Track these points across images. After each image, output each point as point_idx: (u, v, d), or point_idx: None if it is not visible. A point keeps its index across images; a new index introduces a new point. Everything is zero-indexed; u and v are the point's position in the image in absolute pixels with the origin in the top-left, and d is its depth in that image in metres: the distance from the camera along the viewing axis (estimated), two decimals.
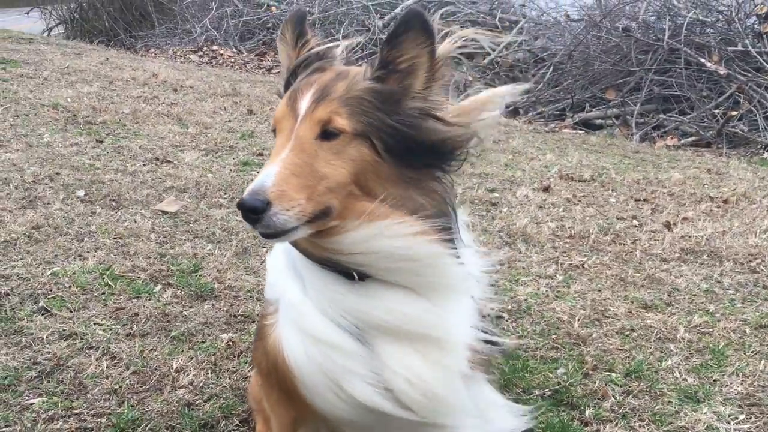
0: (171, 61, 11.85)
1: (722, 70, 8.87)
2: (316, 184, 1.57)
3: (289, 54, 1.78)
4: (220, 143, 6.02)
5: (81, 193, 4.43)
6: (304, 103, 1.62)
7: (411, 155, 1.65)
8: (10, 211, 4.03)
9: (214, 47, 13.50)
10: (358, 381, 1.70)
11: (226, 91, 8.38)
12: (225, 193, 4.74)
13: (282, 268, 1.84)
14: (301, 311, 1.74)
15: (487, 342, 1.94)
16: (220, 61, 12.63)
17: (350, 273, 1.67)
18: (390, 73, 1.65)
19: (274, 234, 1.56)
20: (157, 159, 5.37)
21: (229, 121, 6.92)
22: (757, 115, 8.42)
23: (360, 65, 1.76)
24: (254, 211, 1.51)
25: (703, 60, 9.10)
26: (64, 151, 5.31)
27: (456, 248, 1.71)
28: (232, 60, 12.75)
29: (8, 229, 3.77)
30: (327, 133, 1.60)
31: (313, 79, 1.67)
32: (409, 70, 1.65)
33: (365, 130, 1.61)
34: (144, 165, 5.18)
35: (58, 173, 4.76)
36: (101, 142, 5.68)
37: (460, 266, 1.73)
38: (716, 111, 8.77)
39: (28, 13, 19.24)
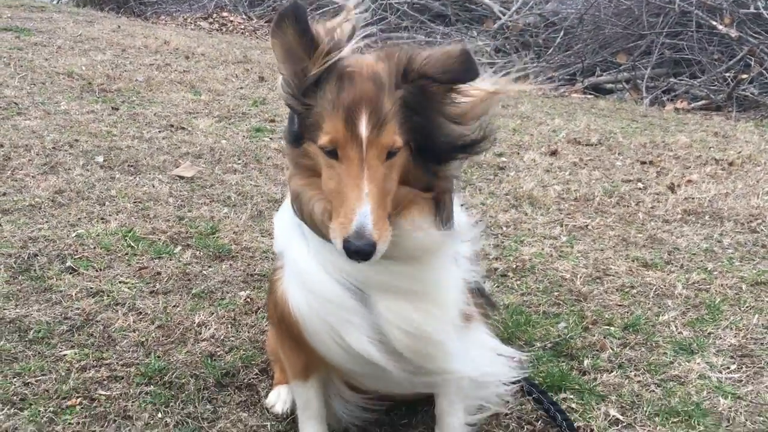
0: (181, 28, 11.90)
1: (734, 33, 8.85)
2: (388, 203, 1.71)
3: (290, 50, 1.73)
4: (232, 110, 6.14)
5: (100, 159, 4.58)
6: (363, 127, 1.66)
7: (435, 147, 1.76)
8: (33, 176, 4.19)
9: (224, 14, 13.50)
10: (356, 332, 1.85)
11: (237, 58, 8.46)
12: (239, 159, 4.87)
13: (288, 226, 1.97)
14: (304, 268, 1.89)
15: (478, 295, 2.10)
16: (231, 28, 12.65)
17: None
18: (422, 91, 1.72)
19: (370, 260, 1.67)
20: (172, 126, 5.50)
21: (241, 88, 7.02)
22: None
23: (375, 54, 1.80)
24: (367, 256, 1.64)
25: (714, 22, 9.07)
26: (81, 118, 5.45)
27: (452, 224, 1.84)
28: (243, 27, 12.77)
29: (32, 193, 3.93)
30: (390, 155, 1.70)
31: (359, 96, 1.69)
32: (431, 89, 1.74)
33: (407, 138, 1.72)
34: (159, 132, 5.31)
35: (76, 140, 4.90)
36: (117, 109, 5.81)
37: (451, 239, 1.86)
38: (727, 74, 8.76)
39: None
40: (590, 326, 3.06)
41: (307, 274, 1.88)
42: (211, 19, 13.22)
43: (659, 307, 3.24)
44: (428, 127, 1.73)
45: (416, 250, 1.81)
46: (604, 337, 2.97)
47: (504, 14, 11.78)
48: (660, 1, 9.72)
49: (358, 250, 1.63)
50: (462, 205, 2.11)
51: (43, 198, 3.88)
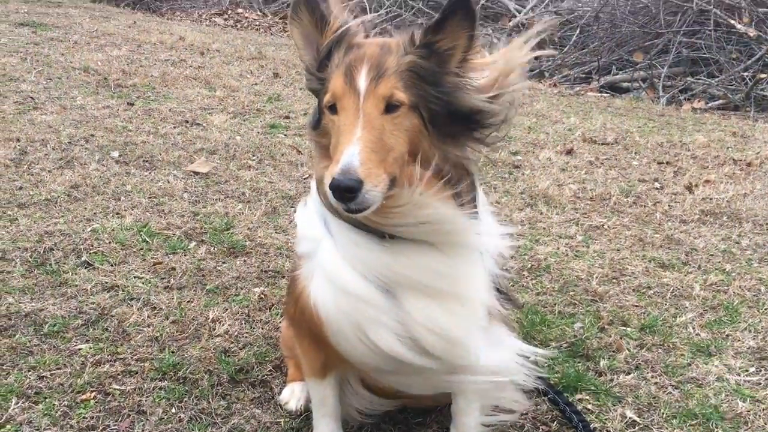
0: (197, 24, 11.93)
1: (752, 32, 8.75)
2: (387, 157, 1.68)
3: (308, 35, 1.84)
4: (247, 106, 6.14)
5: (115, 154, 4.60)
6: (362, 79, 1.70)
7: (450, 126, 1.76)
8: (49, 171, 4.21)
9: (239, 10, 13.53)
10: (384, 330, 1.84)
11: (252, 54, 8.47)
12: (253, 155, 4.87)
13: (312, 222, 1.96)
14: (330, 265, 1.87)
15: (503, 296, 2.07)
16: (245, 24, 12.67)
17: (380, 233, 1.79)
18: (431, 53, 1.74)
19: (363, 209, 1.67)
20: (187, 121, 5.51)
21: (256, 84, 7.03)
22: None
23: (390, 35, 1.84)
24: (350, 191, 1.61)
25: (732, 21, 8.98)
26: (97, 113, 5.47)
27: (476, 212, 1.83)
28: (257, 23, 12.79)
29: (48, 188, 3.95)
30: (389, 107, 1.70)
31: (361, 55, 1.74)
32: (448, 52, 1.75)
33: (417, 101, 1.72)
34: (174, 127, 5.32)
35: (92, 135, 4.92)
36: (132, 104, 5.83)
37: (478, 228, 1.85)
38: (745, 74, 8.67)
39: None
40: (606, 327, 3.03)
41: (334, 270, 1.87)
42: (226, 16, 13.25)
43: (676, 309, 3.20)
44: (440, 96, 1.73)
45: (436, 228, 1.79)
46: (621, 338, 2.94)
47: (519, 12, 11.72)
48: None
49: (342, 185, 1.60)
50: (490, 204, 2.10)
51: (59, 192, 3.90)
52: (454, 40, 1.75)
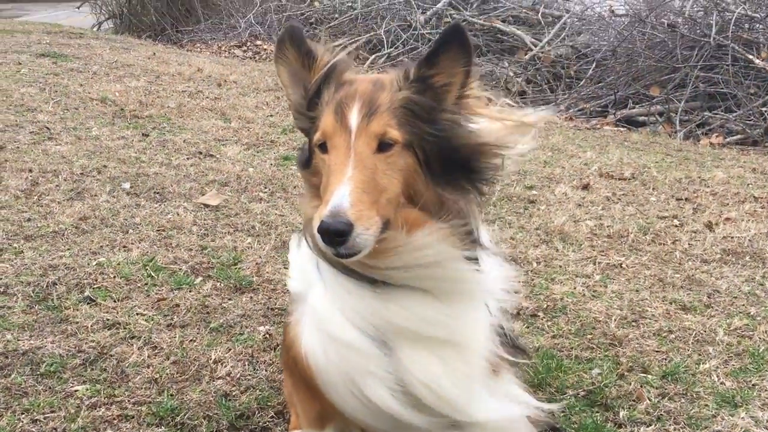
0: (215, 55, 12.03)
1: None
2: (380, 198, 1.60)
3: (295, 73, 1.78)
4: (261, 137, 6.11)
5: (127, 185, 4.56)
6: (354, 117, 1.63)
7: (445, 168, 1.68)
8: (58, 202, 4.17)
9: (258, 42, 13.65)
10: (376, 383, 1.74)
11: (269, 86, 8.49)
12: (265, 188, 4.81)
13: (304, 265, 1.88)
14: (321, 312, 1.78)
15: (509, 344, 1.97)
16: (264, 56, 12.76)
17: (372, 279, 1.70)
18: (427, 88, 1.68)
19: (354, 254, 1.58)
20: (201, 153, 5.48)
21: (271, 115, 7.01)
22: None
23: (386, 72, 1.79)
24: (340, 234, 1.52)
25: (750, 56, 8.89)
26: (111, 144, 5.46)
27: (476, 257, 1.74)
28: None
29: (57, 219, 3.90)
30: (382, 145, 1.63)
31: (352, 92, 1.68)
32: (444, 88, 1.69)
33: (411, 139, 1.65)
34: (188, 159, 5.29)
35: (105, 166, 4.89)
36: (147, 135, 5.82)
37: (480, 274, 1.75)
38: (764, 109, 8.54)
39: (78, 8, 19.73)
40: (626, 373, 2.90)
41: (324, 318, 1.78)
42: (245, 47, 13.37)
43: (699, 355, 3.07)
44: (436, 133, 1.66)
45: (431, 273, 1.70)
46: (641, 386, 2.81)
47: (535, 45, 11.71)
48: (695, 34, 9.58)
49: (331, 229, 1.52)
50: (494, 243, 2.00)
51: (67, 225, 3.85)
52: (450, 76, 1.69)
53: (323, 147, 1.68)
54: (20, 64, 8.04)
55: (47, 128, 5.69)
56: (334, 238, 1.54)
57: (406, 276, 1.71)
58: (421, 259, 1.68)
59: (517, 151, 1.78)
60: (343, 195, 1.55)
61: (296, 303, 1.94)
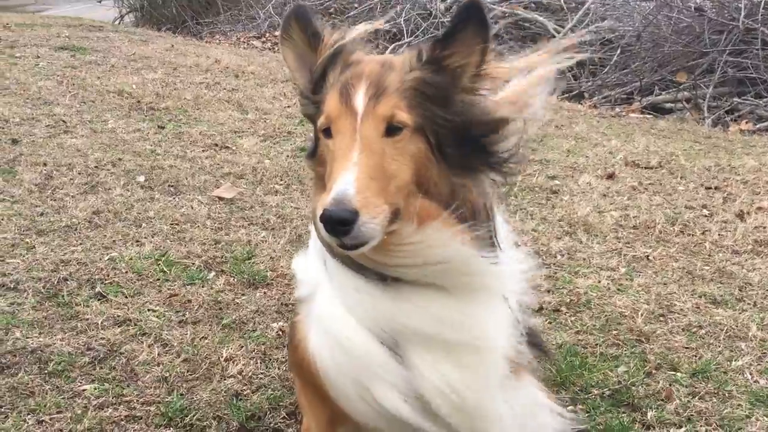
0: (234, 47, 11.98)
1: None
2: (388, 185, 1.49)
3: (301, 55, 1.68)
4: (278, 129, 6.03)
5: (141, 178, 4.50)
6: (360, 99, 1.53)
7: (460, 151, 1.57)
8: (72, 196, 4.12)
9: (277, 33, 13.56)
10: (387, 388, 1.64)
11: (287, 76, 8.39)
12: (281, 180, 4.73)
13: (312, 266, 1.78)
14: (329, 314, 1.68)
15: (529, 343, 1.85)
16: None
17: (382, 276, 1.60)
18: (440, 69, 1.57)
19: (360, 244, 1.47)
20: (216, 145, 5.41)
21: (288, 106, 6.92)
22: None
23: (396, 53, 1.68)
24: (343, 223, 1.42)
25: None
26: (127, 137, 5.41)
27: (494, 249, 1.63)
28: None
29: (70, 214, 3.85)
30: (391, 129, 1.52)
31: (359, 72, 1.58)
32: (459, 69, 1.58)
33: (422, 123, 1.54)
34: (203, 151, 5.22)
35: (120, 159, 4.84)
36: (163, 128, 5.76)
37: (498, 267, 1.64)
38: None
39: (100, 1, 19.81)
40: (654, 371, 2.77)
41: (332, 320, 1.67)
42: (263, 38, 13.30)
43: (731, 351, 2.93)
44: (450, 117, 1.54)
45: (447, 269, 1.58)
46: (670, 385, 2.68)
47: (558, 32, 11.49)
48: (723, 18, 9.31)
49: (334, 217, 1.41)
50: (513, 233, 1.89)
51: (80, 219, 3.79)
52: (466, 56, 1.57)
53: (328, 132, 1.57)
54: (39, 57, 8.03)
55: (63, 121, 5.65)
56: (337, 226, 1.43)
57: (419, 273, 1.60)
58: (434, 257, 1.57)
59: (535, 111, 1.66)
60: (347, 181, 1.44)
61: (303, 302, 1.85)
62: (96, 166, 4.65)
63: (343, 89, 1.56)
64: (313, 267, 1.81)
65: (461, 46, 1.56)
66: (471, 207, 1.60)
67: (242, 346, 2.76)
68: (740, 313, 3.23)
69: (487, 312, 1.68)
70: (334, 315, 1.67)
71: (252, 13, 14.90)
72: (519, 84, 1.69)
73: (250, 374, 2.60)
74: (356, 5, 13.64)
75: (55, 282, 3.11)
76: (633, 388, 2.65)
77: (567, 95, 9.76)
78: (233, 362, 2.65)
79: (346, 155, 1.49)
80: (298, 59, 1.70)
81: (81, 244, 3.52)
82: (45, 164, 4.59)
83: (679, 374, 2.76)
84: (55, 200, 4.05)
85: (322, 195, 1.56)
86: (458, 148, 1.57)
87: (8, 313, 2.84)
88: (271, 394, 2.50)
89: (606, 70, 10.05)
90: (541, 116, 1.69)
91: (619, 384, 2.67)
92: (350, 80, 1.57)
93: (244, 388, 2.52)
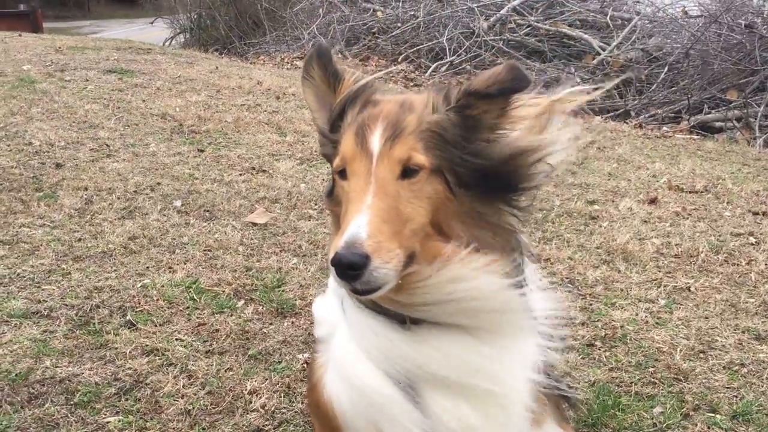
0: (278, 68, 12.14)
1: None
2: (403, 229, 1.46)
3: (321, 95, 1.68)
4: (315, 152, 6.04)
5: (178, 203, 4.56)
6: (376, 140, 1.50)
7: (480, 188, 1.53)
8: (110, 221, 4.19)
9: None
10: None
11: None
12: (315, 204, 4.73)
13: (330, 307, 1.75)
14: (344, 355, 1.65)
15: (553, 387, 1.78)
16: None
17: (401, 317, 1.56)
18: (465, 117, 1.54)
19: (371, 290, 1.44)
20: (254, 168, 5.46)
21: None
22: None
23: (419, 92, 1.65)
24: (354, 267, 1.39)
25: None
26: (167, 160, 5.50)
27: (522, 289, 1.57)
28: None
29: (107, 239, 3.92)
30: (407, 171, 1.49)
31: (376, 113, 1.56)
32: (485, 116, 1.54)
33: (440, 164, 1.51)
34: (240, 175, 5.27)
35: (159, 183, 4.92)
36: (202, 151, 5.84)
37: (524, 307, 1.58)
38: None
39: (152, 23, 20.39)
40: (691, 413, 2.65)
41: (348, 362, 1.64)
42: None
43: None
44: (469, 158, 1.51)
45: (472, 307, 1.53)
46: (708, 428, 2.56)
47: (604, 50, 11.33)
48: None
49: (344, 261, 1.37)
50: (538, 272, 1.83)
51: (116, 245, 3.85)
52: (499, 110, 1.54)
53: (343, 173, 1.55)
54: (87, 80, 8.27)
55: (107, 145, 5.78)
56: (348, 271, 1.40)
57: (442, 311, 1.56)
58: (454, 294, 1.52)
59: (561, 147, 1.60)
60: (360, 225, 1.41)
61: (322, 342, 1.82)
62: (135, 191, 4.73)
63: (359, 130, 1.54)
64: (331, 307, 1.78)
65: (498, 104, 1.53)
66: (496, 241, 1.55)
67: (267, 379, 2.75)
68: None
69: (511, 355, 1.63)
70: (350, 357, 1.64)
71: (297, 33, 15.10)
72: (535, 109, 1.63)
73: (273, 408, 2.58)
74: (399, 25, 13.70)
75: (88, 309, 3.16)
76: (669, 430, 2.54)
77: (612, 114, 9.60)
78: (257, 395, 2.64)
79: (360, 198, 1.47)
80: (318, 99, 1.70)
81: (115, 270, 3.57)
82: (86, 189, 4.69)
83: (718, 416, 2.63)
84: (93, 225, 4.12)
85: (336, 237, 1.53)
86: (478, 183, 1.52)
87: (40, 341, 2.89)
88: (293, 430, 2.47)
89: (653, 87, 9.86)
90: (565, 144, 1.62)
91: (654, 426, 2.56)
92: (367, 121, 1.55)
93: (266, 423, 2.50)
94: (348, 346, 1.66)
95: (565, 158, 1.62)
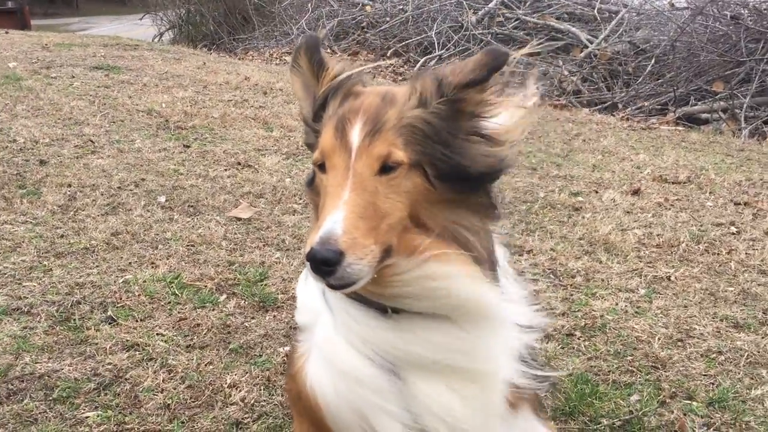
0: (265, 63, 12.11)
1: None
2: (380, 224, 1.47)
3: (306, 84, 1.67)
4: (302, 147, 6.04)
5: (162, 199, 4.55)
6: (356, 134, 1.50)
7: (458, 179, 1.54)
8: (93, 217, 4.19)
9: None
10: (389, 419, 1.62)
11: None
12: (300, 199, 4.74)
13: (312, 295, 1.77)
14: (329, 344, 1.66)
15: (533, 376, 1.80)
16: None
17: (382, 306, 1.58)
18: (451, 110, 1.54)
19: (346, 285, 1.45)
20: (239, 163, 5.46)
21: None
22: None
23: (399, 85, 1.66)
24: (327, 263, 1.40)
25: None
26: (152, 156, 5.49)
27: (497, 276, 1.60)
28: None
29: (89, 236, 3.91)
30: (385, 168, 1.50)
31: (357, 106, 1.55)
32: (465, 106, 1.55)
33: (419, 159, 1.51)
34: (225, 170, 5.27)
35: (143, 179, 4.91)
36: (188, 146, 5.84)
37: (499, 296, 1.60)
38: None
39: (141, 19, 20.28)
40: (668, 400, 2.68)
41: (332, 349, 1.66)
42: None
43: (752, 379, 2.82)
44: (450, 155, 1.52)
45: (449, 302, 1.56)
46: (684, 414, 2.59)
47: (591, 42, 11.35)
48: (760, 26, 9.08)
49: (318, 257, 1.39)
50: (508, 263, 1.85)
51: (99, 240, 3.85)
52: (479, 98, 1.55)
53: (322, 167, 1.55)
54: (74, 77, 8.24)
55: (92, 141, 5.77)
56: (322, 267, 1.41)
57: (420, 304, 1.58)
58: (430, 291, 1.55)
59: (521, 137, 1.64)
60: (335, 221, 1.42)
61: (302, 333, 1.83)
62: (119, 187, 4.73)
63: (339, 124, 1.54)
64: (313, 295, 1.79)
65: (479, 92, 1.54)
66: (470, 237, 1.57)
67: (247, 372, 2.76)
68: (763, 338, 3.11)
69: (491, 340, 1.65)
70: (333, 344, 1.66)
71: (286, 28, 15.07)
72: (511, 121, 1.64)
73: (252, 402, 2.59)
74: (388, 19, 13.69)
75: (69, 305, 3.16)
76: (645, 418, 2.56)
77: (599, 107, 9.63)
78: (237, 388, 2.65)
79: (337, 192, 1.47)
80: (305, 88, 1.69)
81: (97, 266, 3.57)
82: (70, 185, 4.68)
83: (694, 403, 2.66)
84: (75, 222, 4.12)
85: (313, 231, 1.54)
86: (458, 175, 1.54)
87: (20, 338, 2.89)
88: (272, 422, 2.48)
89: (640, 80, 9.89)
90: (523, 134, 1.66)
91: (631, 414, 2.59)
92: (347, 114, 1.54)
93: (246, 416, 2.51)
94: (331, 335, 1.68)
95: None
